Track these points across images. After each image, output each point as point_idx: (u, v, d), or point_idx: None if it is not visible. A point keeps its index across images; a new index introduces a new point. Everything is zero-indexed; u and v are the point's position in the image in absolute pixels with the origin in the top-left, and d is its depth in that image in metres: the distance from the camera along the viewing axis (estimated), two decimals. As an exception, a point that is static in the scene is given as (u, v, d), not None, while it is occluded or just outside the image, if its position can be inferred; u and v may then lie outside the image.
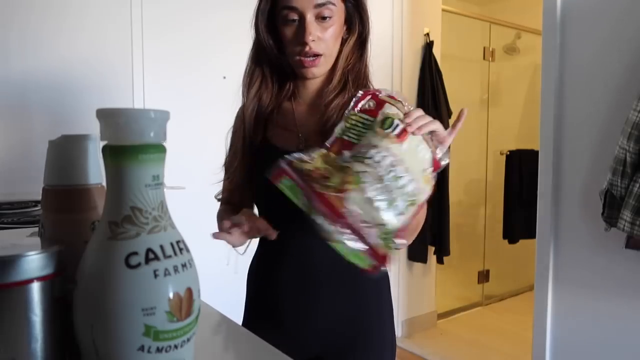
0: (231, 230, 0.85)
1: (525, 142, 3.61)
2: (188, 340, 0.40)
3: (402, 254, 2.88)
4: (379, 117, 0.76)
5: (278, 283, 0.96)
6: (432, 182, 0.80)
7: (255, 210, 1.03)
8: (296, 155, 0.74)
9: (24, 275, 0.37)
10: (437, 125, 0.79)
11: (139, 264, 0.37)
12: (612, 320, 1.73)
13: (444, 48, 3.10)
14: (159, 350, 0.38)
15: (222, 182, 1.06)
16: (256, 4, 0.96)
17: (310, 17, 0.89)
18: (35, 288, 0.38)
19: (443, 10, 3.08)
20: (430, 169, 0.80)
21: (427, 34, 2.98)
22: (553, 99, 1.87)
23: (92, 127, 0.41)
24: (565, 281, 1.87)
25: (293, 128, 0.98)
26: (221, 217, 1.02)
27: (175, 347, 0.39)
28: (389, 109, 0.77)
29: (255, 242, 1.03)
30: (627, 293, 1.69)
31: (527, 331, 2.17)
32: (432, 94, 2.94)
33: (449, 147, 0.82)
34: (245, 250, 0.96)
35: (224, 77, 2.19)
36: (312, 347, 0.96)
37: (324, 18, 0.90)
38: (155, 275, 0.38)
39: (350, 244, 0.70)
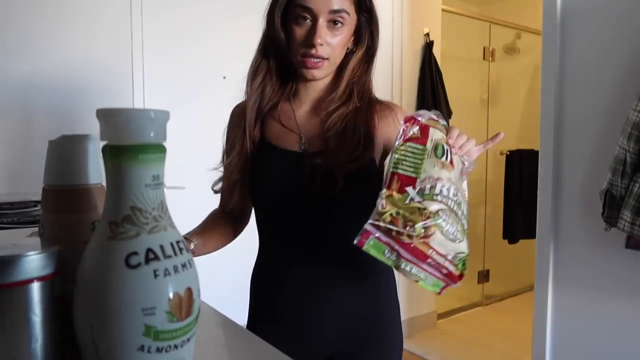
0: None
1: (525, 142, 3.61)
2: (188, 340, 0.40)
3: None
4: (429, 145, 0.76)
5: (287, 286, 0.96)
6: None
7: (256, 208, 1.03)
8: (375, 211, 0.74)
9: (24, 275, 0.37)
10: (473, 142, 0.83)
11: (139, 264, 0.37)
12: (612, 320, 1.73)
13: (444, 48, 3.11)
14: (159, 350, 0.38)
15: (218, 172, 1.06)
16: None
17: (322, 20, 0.89)
18: (35, 288, 0.38)
19: (443, 10, 3.08)
20: (466, 182, 0.83)
21: (427, 34, 2.98)
22: (553, 99, 1.87)
23: (92, 127, 0.41)
24: (565, 281, 1.87)
25: (294, 129, 0.98)
26: (205, 224, 1.03)
27: (175, 347, 0.39)
28: (435, 134, 0.78)
29: (256, 246, 1.03)
30: (627, 293, 1.69)
31: (527, 331, 2.17)
32: (432, 94, 2.94)
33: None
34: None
35: (224, 77, 2.20)
36: (324, 348, 0.97)
37: (335, 24, 0.90)
38: (155, 275, 0.38)
39: (431, 278, 0.73)
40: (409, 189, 0.73)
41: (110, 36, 1.97)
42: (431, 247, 0.71)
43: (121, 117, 0.39)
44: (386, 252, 0.72)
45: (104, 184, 0.40)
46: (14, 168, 1.76)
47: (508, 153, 3.58)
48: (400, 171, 0.75)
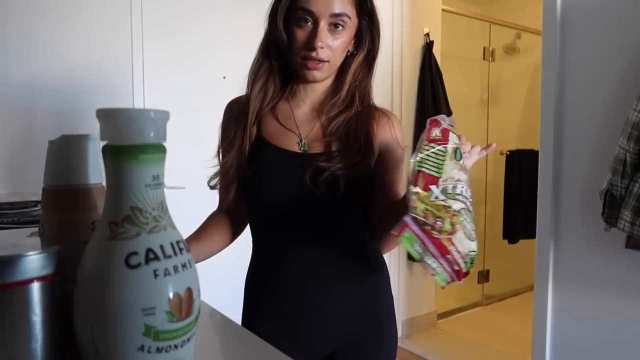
0: None
1: (525, 142, 3.61)
2: (188, 340, 0.40)
3: (402, 254, 2.88)
4: (450, 147, 0.80)
5: (285, 284, 0.95)
6: None
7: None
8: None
9: (24, 275, 0.37)
10: (477, 149, 0.88)
11: (139, 264, 0.37)
12: (612, 320, 1.73)
13: (444, 48, 3.10)
14: (159, 350, 0.38)
15: (214, 168, 1.05)
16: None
17: (323, 24, 0.90)
18: (35, 288, 0.38)
19: (443, 10, 3.08)
20: None
21: (427, 34, 2.98)
22: (553, 99, 1.87)
23: (93, 128, 0.41)
24: (565, 281, 1.87)
25: (293, 129, 0.98)
26: (201, 230, 1.04)
27: (175, 347, 0.39)
28: (454, 139, 0.82)
29: (249, 245, 1.02)
30: (627, 293, 1.69)
31: (527, 331, 2.17)
32: (432, 94, 2.94)
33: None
34: None
35: (224, 77, 2.19)
36: (324, 345, 0.97)
37: (336, 27, 0.91)
38: (155, 275, 0.38)
39: (445, 273, 0.77)
40: (433, 187, 0.76)
41: (110, 36, 1.97)
42: (453, 244, 0.75)
43: (121, 117, 0.39)
44: (416, 245, 0.75)
45: (104, 184, 0.41)
46: (14, 168, 1.76)
47: (508, 153, 3.58)
48: (424, 170, 0.77)
